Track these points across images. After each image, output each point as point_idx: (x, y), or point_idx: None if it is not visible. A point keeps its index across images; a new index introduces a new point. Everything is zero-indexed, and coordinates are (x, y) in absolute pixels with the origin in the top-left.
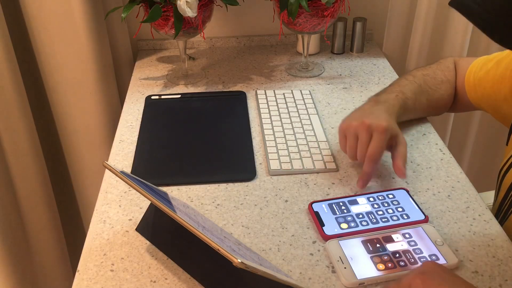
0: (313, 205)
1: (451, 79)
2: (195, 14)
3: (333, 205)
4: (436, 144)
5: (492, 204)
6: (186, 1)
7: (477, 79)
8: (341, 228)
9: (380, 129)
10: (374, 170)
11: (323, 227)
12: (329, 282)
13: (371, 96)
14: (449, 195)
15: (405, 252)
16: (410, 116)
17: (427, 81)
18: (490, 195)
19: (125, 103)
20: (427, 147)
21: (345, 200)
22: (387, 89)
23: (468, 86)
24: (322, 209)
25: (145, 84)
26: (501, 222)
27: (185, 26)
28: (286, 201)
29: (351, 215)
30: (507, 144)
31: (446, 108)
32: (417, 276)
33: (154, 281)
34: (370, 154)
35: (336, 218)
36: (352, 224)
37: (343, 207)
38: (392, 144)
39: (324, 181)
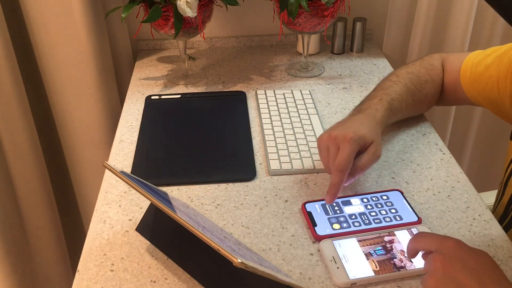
0: (306, 205)
1: (435, 78)
2: (195, 14)
3: (326, 206)
4: (436, 144)
5: (492, 204)
6: (186, 1)
7: (474, 74)
8: (333, 229)
9: (345, 139)
10: (342, 181)
11: (315, 227)
12: (329, 282)
13: (356, 106)
14: (449, 195)
15: (400, 253)
16: (399, 117)
17: (412, 79)
18: (490, 195)
19: (125, 103)
20: (427, 147)
21: (339, 200)
22: (370, 95)
23: (464, 82)
24: (315, 209)
25: (145, 84)
26: (507, 227)
27: (185, 26)
28: (286, 201)
29: (344, 216)
30: (511, 139)
31: (430, 106)
32: (437, 258)
33: (154, 281)
34: (336, 165)
35: (328, 219)
36: (345, 225)
37: (336, 208)
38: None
39: (324, 181)
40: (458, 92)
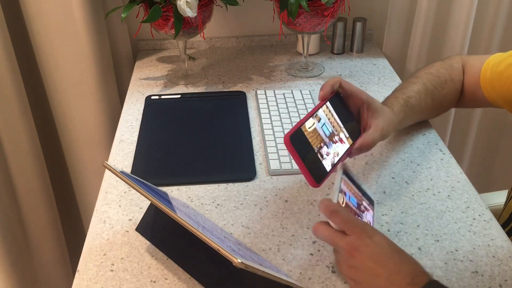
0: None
1: (455, 78)
2: (195, 14)
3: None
4: (436, 144)
5: (497, 204)
6: (186, 1)
7: (495, 74)
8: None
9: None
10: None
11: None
12: (329, 282)
13: None
14: (449, 195)
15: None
16: (417, 116)
17: (431, 80)
18: (490, 196)
19: (125, 103)
20: (427, 147)
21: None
22: (388, 96)
23: (484, 81)
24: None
25: (145, 84)
26: (509, 233)
27: (185, 26)
28: (286, 201)
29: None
30: None
31: (450, 107)
32: (350, 253)
33: (154, 281)
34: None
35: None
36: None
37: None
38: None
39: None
40: (477, 93)
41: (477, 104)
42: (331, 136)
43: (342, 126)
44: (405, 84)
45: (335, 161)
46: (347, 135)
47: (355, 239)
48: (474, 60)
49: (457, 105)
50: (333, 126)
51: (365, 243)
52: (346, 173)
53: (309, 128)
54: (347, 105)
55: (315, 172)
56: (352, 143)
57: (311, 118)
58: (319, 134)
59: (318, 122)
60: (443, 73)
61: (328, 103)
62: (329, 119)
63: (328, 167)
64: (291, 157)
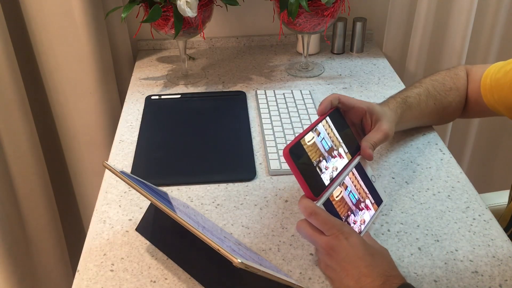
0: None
1: (460, 86)
2: (195, 14)
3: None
4: (436, 144)
5: (497, 204)
6: (186, 1)
7: (494, 80)
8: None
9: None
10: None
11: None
12: (329, 282)
13: None
14: (449, 195)
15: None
16: (419, 116)
17: (436, 86)
18: (490, 196)
19: (125, 103)
20: (427, 147)
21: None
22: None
23: (484, 88)
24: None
25: (145, 84)
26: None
27: (185, 26)
28: (286, 201)
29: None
30: None
31: (456, 116)
32: (327, 252)
33: (154, 281)
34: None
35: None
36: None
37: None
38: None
39: None
40: (480, 101)
41: (480, 113)
42: (330, 151)
43: (341, 141)
44: (406, 88)
45: (334, 176)
46: (346, 151)
47: (331, 240)
48: (477, 69)
49: (462, 115)
50: (333, 141)
51: (341, 243)
52: (359, 167)
53: (308, 141)
54: (346, 120)
55: (313, 185)
56: (351, 158)
57: (310, 132)
58: (318, 148)
59: (318, 136)
60: (448, 81)
61: (327, 118)
62: (328, 134)
63: (326, 181)
64: (290, 170)
